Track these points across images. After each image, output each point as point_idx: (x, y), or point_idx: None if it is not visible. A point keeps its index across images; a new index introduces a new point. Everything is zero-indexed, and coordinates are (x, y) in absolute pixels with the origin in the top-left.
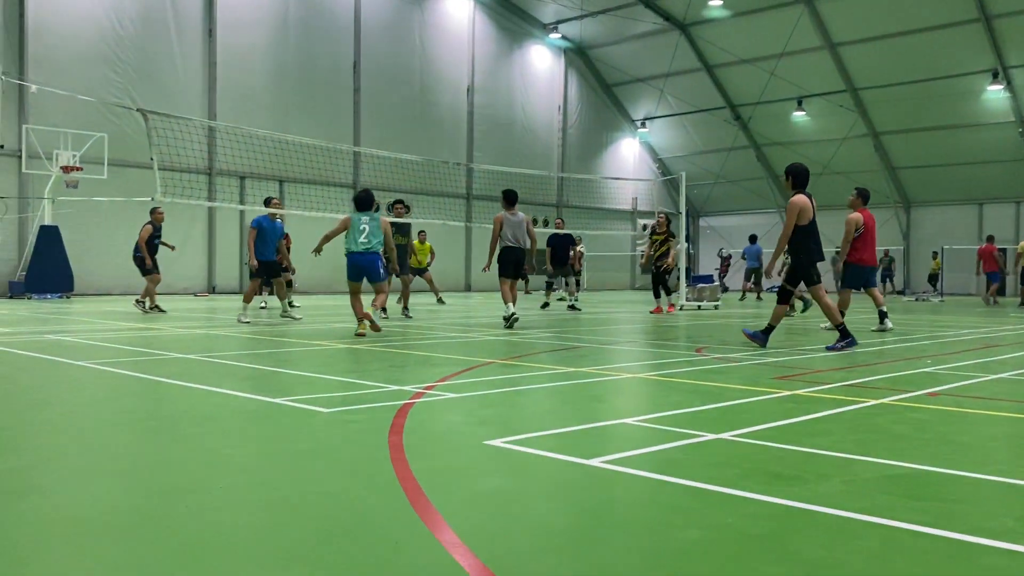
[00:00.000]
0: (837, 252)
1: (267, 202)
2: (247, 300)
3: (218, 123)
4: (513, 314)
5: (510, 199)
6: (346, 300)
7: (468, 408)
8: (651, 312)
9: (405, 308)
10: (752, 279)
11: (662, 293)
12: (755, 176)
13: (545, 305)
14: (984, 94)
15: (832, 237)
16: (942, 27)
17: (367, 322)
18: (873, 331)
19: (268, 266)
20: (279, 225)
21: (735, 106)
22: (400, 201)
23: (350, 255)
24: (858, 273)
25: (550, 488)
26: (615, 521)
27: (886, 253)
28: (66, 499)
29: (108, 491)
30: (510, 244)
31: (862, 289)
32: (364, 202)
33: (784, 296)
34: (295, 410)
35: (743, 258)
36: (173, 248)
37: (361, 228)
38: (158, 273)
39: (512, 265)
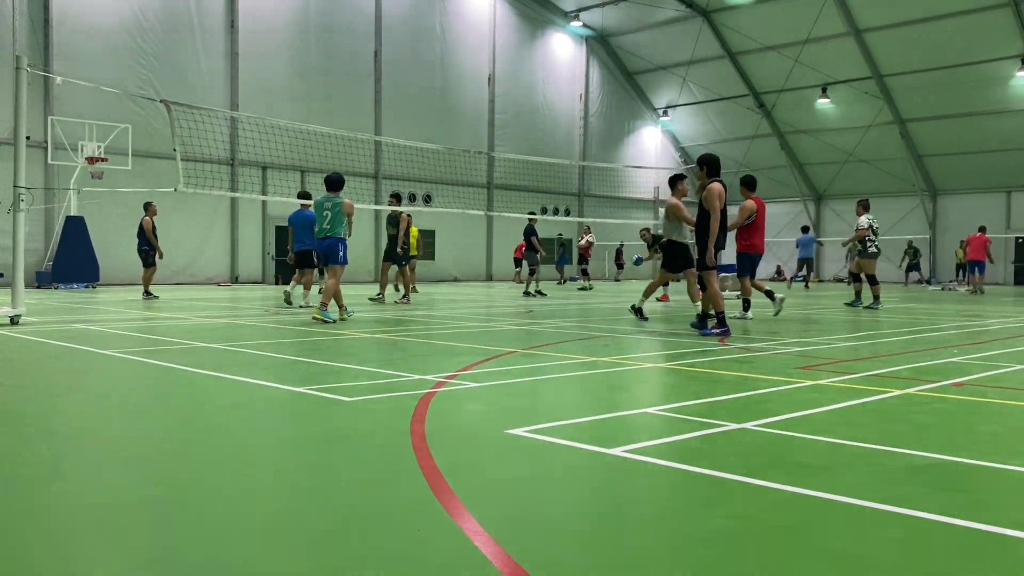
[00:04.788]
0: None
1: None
2: (307, 288)
3: (240, 114)
4: None
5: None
6: (362, 290)
7: (490, 397)
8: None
9: (405, 295)
10: (803, 268)
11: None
12: (779, 164)
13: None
14: (1013, 80)
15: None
16: (970, 12)
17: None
18: (734, 317)
19: (306, 256)
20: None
21: (758, 94)
22: (395, 194)
23: (315, 240)
24: (753, 260)
25: (571, 477)
26: (637, 510)
27: (910, 244)
28: (91, 486)
29: (132, 478)
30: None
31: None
32: (331, 183)
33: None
34: (318, 399)
35: (796, 247)
36: (161, 256)
37: (324, 214)
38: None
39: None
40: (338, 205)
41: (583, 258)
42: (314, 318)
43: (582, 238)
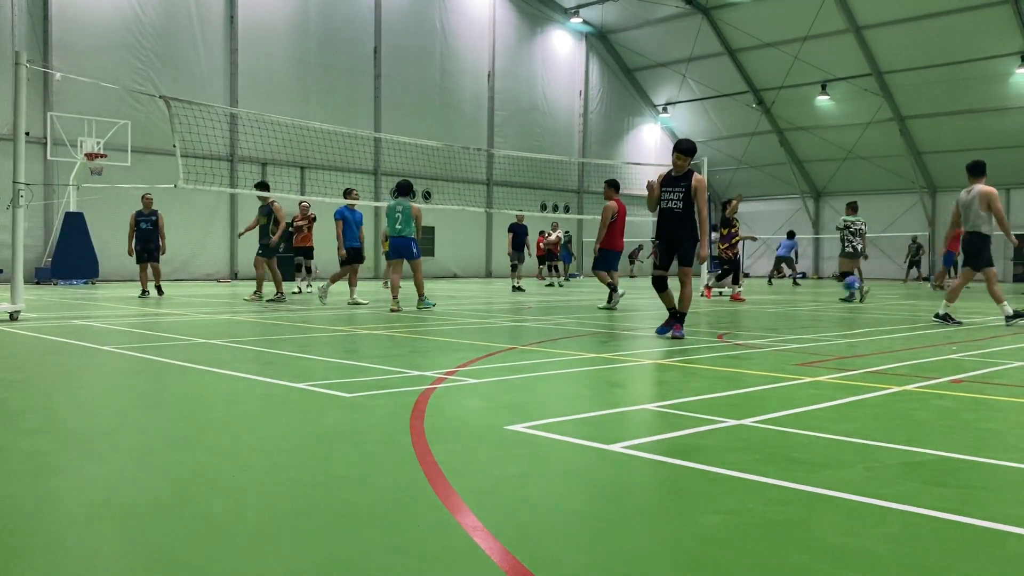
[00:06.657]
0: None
1: (347, 193)
2: (332, 282)
3: (240, 109)
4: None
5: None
6: (368, 286)
7: (489, 393)
8: (732, 298)
9: (279, 292)
10: (777, 266)
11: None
12: (778, 161)
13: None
14: (1012, 77)
15: (874, 219)
16: (969, 9)
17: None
18: (600, 308)
19: (355, 252)
20: (359, 214)
21: (758, 91)
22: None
23: (390, 238)
24: (612, 257)
25: (571, 473)
26: (636, 506)
27: (913, 240)
28: (89, 481)
29: (131, 474)
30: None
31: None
32: (401, 189)
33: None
34: (317, 395)
35: (777, 249)
36: (163, 251)
37: (395, 216)
38: (142, 262)
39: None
40: (408, 208)
41: (551, 255)
42: (419, 307)
43: (549, 234)
